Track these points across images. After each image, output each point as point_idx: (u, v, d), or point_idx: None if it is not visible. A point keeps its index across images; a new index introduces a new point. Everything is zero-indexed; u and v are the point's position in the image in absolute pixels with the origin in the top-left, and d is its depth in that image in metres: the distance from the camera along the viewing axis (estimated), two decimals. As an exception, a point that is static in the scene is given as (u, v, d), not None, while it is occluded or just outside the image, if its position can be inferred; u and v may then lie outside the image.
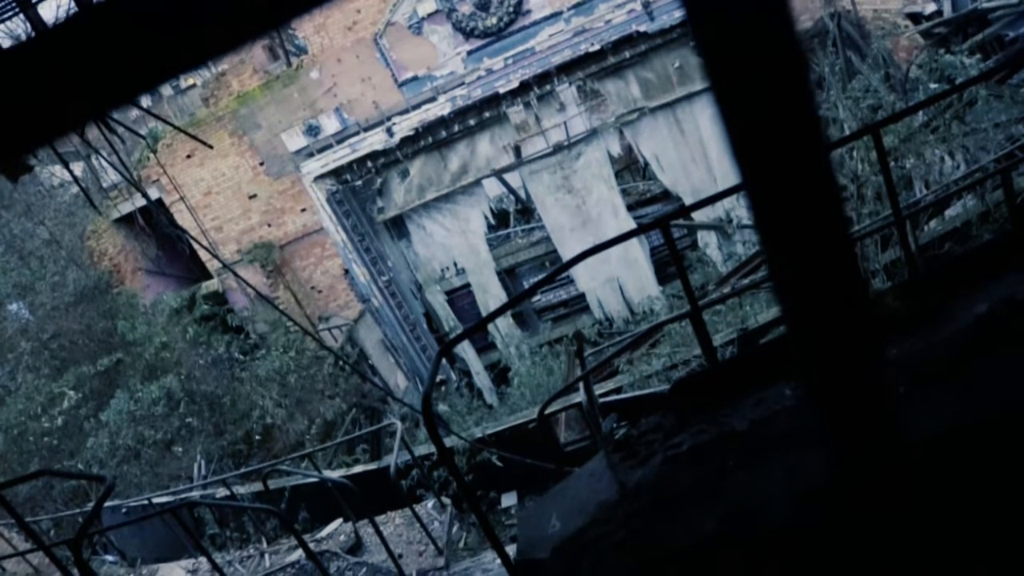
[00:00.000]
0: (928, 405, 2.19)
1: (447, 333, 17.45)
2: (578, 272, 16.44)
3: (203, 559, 7.05)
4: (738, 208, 15.02)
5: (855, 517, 0.61)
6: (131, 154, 15.13)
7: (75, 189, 15.83)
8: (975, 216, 7.62)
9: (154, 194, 15.15)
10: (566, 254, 16.00)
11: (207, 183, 15.48)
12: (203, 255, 15.23)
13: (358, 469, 9.57)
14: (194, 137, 7.16)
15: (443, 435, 6.01)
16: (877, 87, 10.41)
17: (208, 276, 16.53)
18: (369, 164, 15.32)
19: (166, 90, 20.95)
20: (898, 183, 8.47)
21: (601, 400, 6.37)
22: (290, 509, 8.92)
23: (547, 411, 4.60)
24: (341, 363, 12.91)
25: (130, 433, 11.54)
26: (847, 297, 0.51)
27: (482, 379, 17.50)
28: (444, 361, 13.06)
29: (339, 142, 14.91)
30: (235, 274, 7.59)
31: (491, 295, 16.99)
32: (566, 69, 14.42)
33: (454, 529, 7.14)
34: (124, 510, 9.39)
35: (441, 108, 14.62)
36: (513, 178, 15.97)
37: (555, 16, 13.98)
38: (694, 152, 15.49)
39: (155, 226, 16.49)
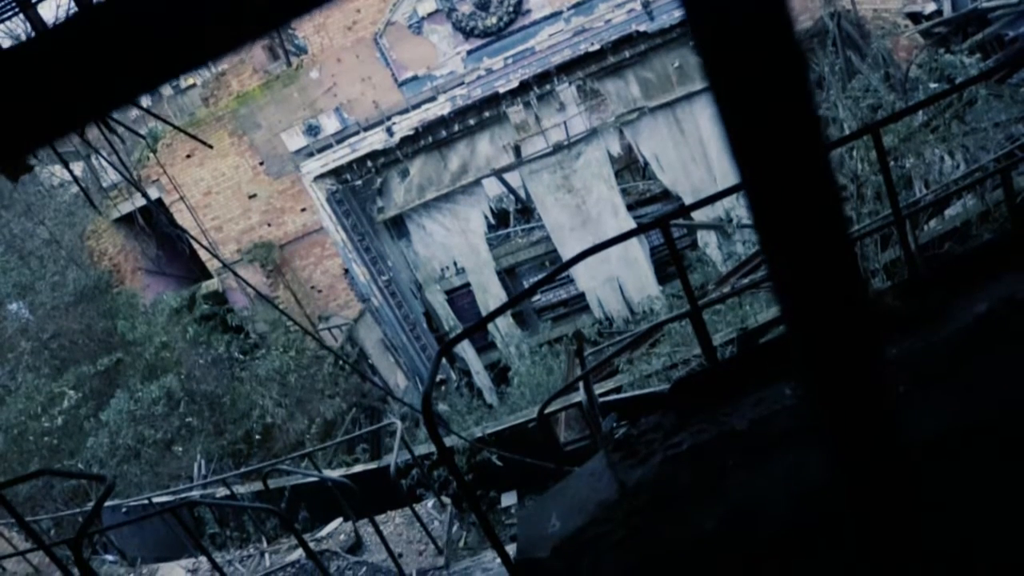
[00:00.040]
0: (928, 405, 2.19)
1: (447, 332, 17.45)
2: (578, 272, 16.44)
3: (203, 558, 7.05)
4: (738, 208, 15.02)
5: (855, 517, 0.61)
6: (131, 154, 15.13)
7: (75, 189, 15.83)
8: (975, 216, 7.61)
9: (154, 194, 15.15)
10: (566, 254, 16.00)
11: (207, 183, 15.48)
12: (203, 255, 15.23)
13: (358, 468, 9.57)
14: (194, 137, 7.15)
15: (443, 434, 6.01)
16: (877, 87, 10.41)
17: (208, 276, 16.53)
18: (369, 164, 15.32)
19: (166, 90, 20.93)
20: (898, 183, 8.47)
21: (601, 399, 6.37)
22: (290, 508, 8.92)
23: (547, 410, 4.60)
24: (341, 363, 12.91)
25: (130, 433, 11.54)
26: (846, 297, 0.51)
27: (482, 378, 17.50)
28: (444, 360, 13.07)
29: (339, 142, 14.91)
30: (235, 274, 7.59)
31: (491, 295, 17.00)
32: (566, 69, 14.42)
33: (454, 528, 7.15)
34: (124, 510, 9.39)
35: (441, 108, 14.62)
36: (513, 178, 15.97)
37: (555, 16, 13.98)
38: (694, 152, 15.49)
39: (155, 226, 16.50)
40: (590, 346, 11.10)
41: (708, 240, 15.82)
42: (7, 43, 14.52)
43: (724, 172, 15.19)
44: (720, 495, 2.22)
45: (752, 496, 2.18)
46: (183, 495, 9.37)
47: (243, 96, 14.91)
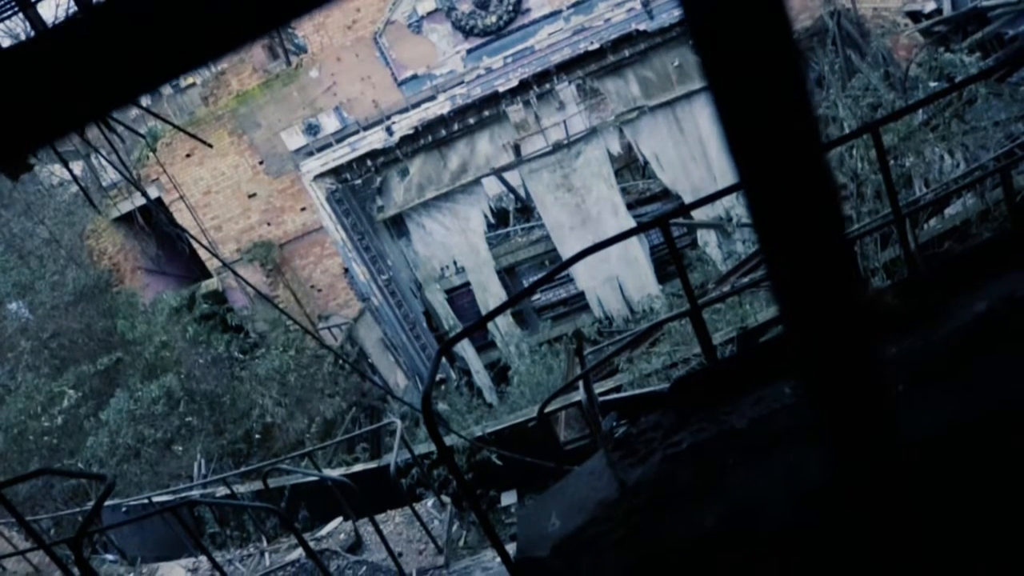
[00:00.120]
0: (927, 404, 2.19)
1: (447, 332, 17.45)
2: (578, 271, 16.44)
3: (203, 558, 7.05)
4: (738, 207, 15.03)
5: (854, 516, 0.61)
6: (131, 153, 15.12)
7: (75, 188, 15.83)
8: (975, 214, 7.62)
9: (154, 193, 15.14)
10: (566, 253, 16.00)
11: (207, 182, 15.47)
12: (203, 254, 15.23)
13: (358, 468, 9.57)
14: (194, 136, 7.15)
15: (443, 434, 6.01)
16: (877, 85, 10.41)
17: (208, 275, 16.53)
18: (369, 163, 15.32)
19: (165, 89, 20.92)
20: (898, 181, 8.47)
21: (601, 399, 6.37)
22: (290, 508, 8.93)
23: (547, 410, 4.61)
24: (341, 362, 12.91)
25: (130, 432, 11.54)
26: (844, 296, 0.51)
27: (482, 378, 17.51)
28: (444, 360, 13.06)
29: (339, 141, 14.90)
30: (235, 273, 7.59)
31: (491, 294, 17.00)
32: (566, 68, 14.42)
33: (454, 528, 7.15)
34: (124, 509, 9.40)
35: (440, 107, 14.61)
36: (513, 177, 15.97)
37: (554, 15, 13.97)
38: (693, 150, 15.49)
39: (155, 225, 16.49)
40: (590, 345, 11.11)
41: (708, 239, 15.82)
42: (7, 43, 14.52)
43: (724, 171, 15.18)
44: (720, 494, 2.23)
45: (752, 495, 2.18)
46: (183, 494, 9.37)
47: (243, 95, 14.90)
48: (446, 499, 7.46)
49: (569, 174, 15.76)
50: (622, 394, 7.99)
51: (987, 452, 2.13)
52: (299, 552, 6.87)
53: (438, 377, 15.90)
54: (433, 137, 15.16)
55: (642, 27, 13.81)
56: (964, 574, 2.07)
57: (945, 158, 8.78)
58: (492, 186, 16.18)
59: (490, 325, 16.81)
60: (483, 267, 16.96)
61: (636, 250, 16.04)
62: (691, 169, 15.66)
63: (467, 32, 14.20)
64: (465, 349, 17.40)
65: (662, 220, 2.93)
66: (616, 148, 15.63)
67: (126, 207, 15.81)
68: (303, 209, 15.62)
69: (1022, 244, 2.66)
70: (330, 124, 14.70)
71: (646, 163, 15.93)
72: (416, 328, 17.08)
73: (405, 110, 14.69)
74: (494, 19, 13.99)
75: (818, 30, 13.28)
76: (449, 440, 8.31)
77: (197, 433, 11.98)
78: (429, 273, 17.40)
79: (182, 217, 15.09)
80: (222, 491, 9.29)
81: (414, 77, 14.58)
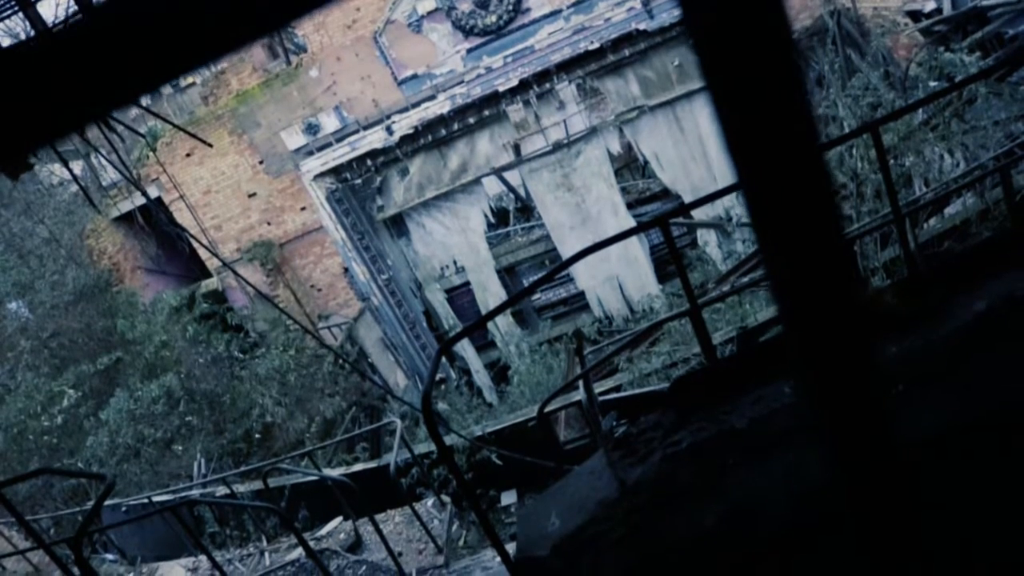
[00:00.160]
0: (927, 403, 2.19)
1: (447, 331, 17.45)
2: (578, 270, 16.44)
3: (203, 557, 7.05)
4: (737, 206, 15.03)
5: (854, 516, 0.61)
6: (130, 152, 15.12)
7: (75, 188, 15.82)
8: (974, 214, 7.62)
9: (153, 193, 15.14)
10: (566, 252, 16.00)
11: (206, 181, 15.47)
12: (203, 253, 15.23)
13: (358, 467, 9.57)
14: (194, 136, 7.14)
15: (443, 433, 6.01)
16: (876, 85, 10.41)
17: (208, 275, 16.53)
18: (369, 162, 15.32)
19: (165, 88, 20.89)
20: (897, 181, 8.47)
21: (601, 398, 6.37)
22: (290, 507, 8.93)
23: (547, 409, 4.61)
24: (341, 361, 12.91)
25: (130, 432, 11.54)
26: (843, 296, 0.51)
27: (482, 377, 17.51)
28: (444, 359, 13.06)
29: (339, 140, 14.90)
30: (235, 272, 7.59)
31: (491, 293, 17.00)
32: (566, 67, 14.41)
33: (454, 527, 7.15)
34: (124, 508, 9.40)
35: (440, 106, 14.61)
36: (513, 176, 15.97)
37: (555, 14, 13.97)
38: (693, 150, 15.49)
39: (155, 225, 16.49)
40: (590, 345, 11.11)
41: (708, 239, 15.82)
42: (7, 42, 14.52)
43: (723, 171, 15.17)
44: (720, 493, 2.23)
45: (752, 494, 2.18)
46: (183, 494, 9.38)
47: (243, 95, 14.90)
48: (446, 499, 7.46)
49: (569, 174, 15.76)
50: (622, 394, 7.99)
51: (987, 452, 2.13)
52: (299, 552, 6.87)
53: (438, 377, 15.89)
54: (433, 137, 15.16)
55: (642, 26, 13.81)
56: (964, 574, 2.07)
57: (945, 157, 8.78)
58: (492, 186, 16.18)
59: (490, 325, 16.81)
60: (483, 267, 16.96)
61: (636, 250, 16.04)
62: (691, 169, 15.66)
63: (467, 31, 14.20)
64: (465, 349, 17.40)
65: (662, 220, 2.93)
66: (616, 148, 15.63)
67: (126, 207, 15.81)
68: (303, 209, 15.62)
69: (1022, 243, 2.66)
70: (330, 124, 14.70)
71: (646, 163, 15.93)
72: (416, 328, 17.08)
73: (405, 110, 14.69)
74: (494, 19, 13.98)
75: (818, 29, 13.28)
76: (449, 440, 8.32)
77: (197, 433, 11.98)
78: (429, 273, 17.40)
79: (182, 217, 15.09)
80: (222, 491, 9.29)
81: (414, 76, 14.57)
